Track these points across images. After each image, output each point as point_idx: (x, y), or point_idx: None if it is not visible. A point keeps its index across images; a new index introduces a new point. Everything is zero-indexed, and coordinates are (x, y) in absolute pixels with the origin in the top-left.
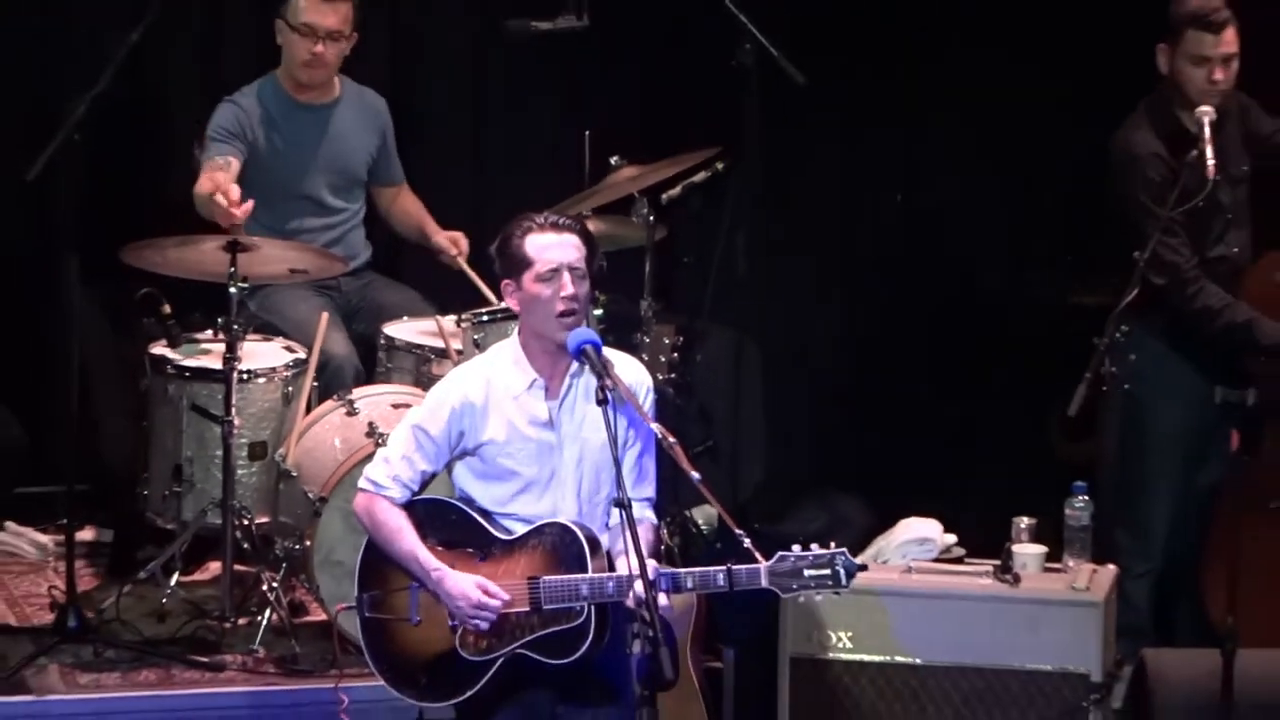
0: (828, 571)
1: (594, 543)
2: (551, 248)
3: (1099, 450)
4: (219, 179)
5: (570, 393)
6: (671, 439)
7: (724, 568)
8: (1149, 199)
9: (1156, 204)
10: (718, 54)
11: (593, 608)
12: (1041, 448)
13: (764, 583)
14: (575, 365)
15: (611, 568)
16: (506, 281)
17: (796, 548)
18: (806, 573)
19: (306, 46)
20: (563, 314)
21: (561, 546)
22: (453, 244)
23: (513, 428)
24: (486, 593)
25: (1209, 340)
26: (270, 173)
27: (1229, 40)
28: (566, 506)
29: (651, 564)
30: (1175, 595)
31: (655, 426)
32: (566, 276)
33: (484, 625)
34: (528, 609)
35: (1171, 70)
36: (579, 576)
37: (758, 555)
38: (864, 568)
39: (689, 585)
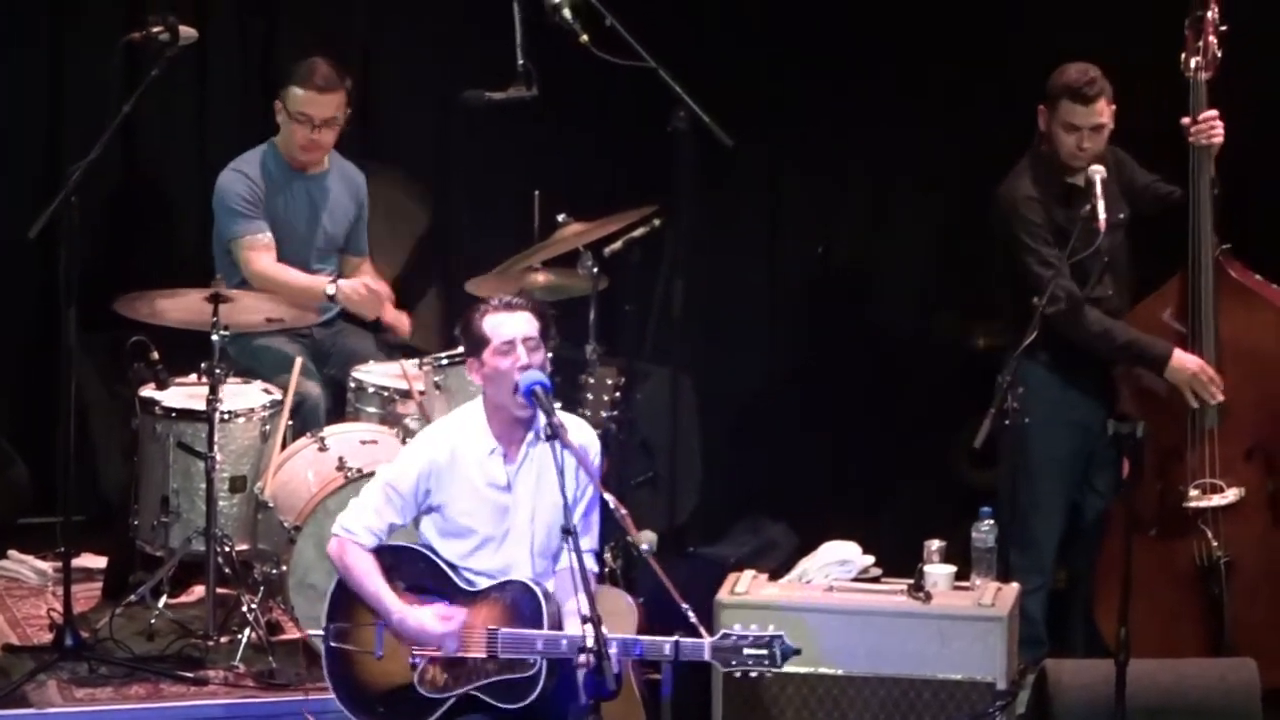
0: (765, 652)
1: (548, 598)
2: (505, 324)
3: (1000, 477)
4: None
5: (527, 459)
6: (623, 510)
7: (673, 640)
8: (1033, 240)
9: (1038, 243)
10: (653, 120)
11: (544, 660)
12: (950, 476)
13: (706, 657)
14: (532, 435)
15: (561, 620)
16: (471, 360)
17: (738, 627)
18: (746, 651)
19: (304, 133)
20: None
21: (521, 603)
22: (397, 323)
23: (473, 490)
24: (444, 617)
25: (1109, 360)
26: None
27: (1099, 111)
28: (521, 561)
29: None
30: (1070, 609)
31: (608, 496)
32: (521, 348)
33: (453, 645)
34: (484, 655)
35: (1048, 130)
36: (535, 632)
37: (702, 630)
38: (799, 652)
39: (638, 652)
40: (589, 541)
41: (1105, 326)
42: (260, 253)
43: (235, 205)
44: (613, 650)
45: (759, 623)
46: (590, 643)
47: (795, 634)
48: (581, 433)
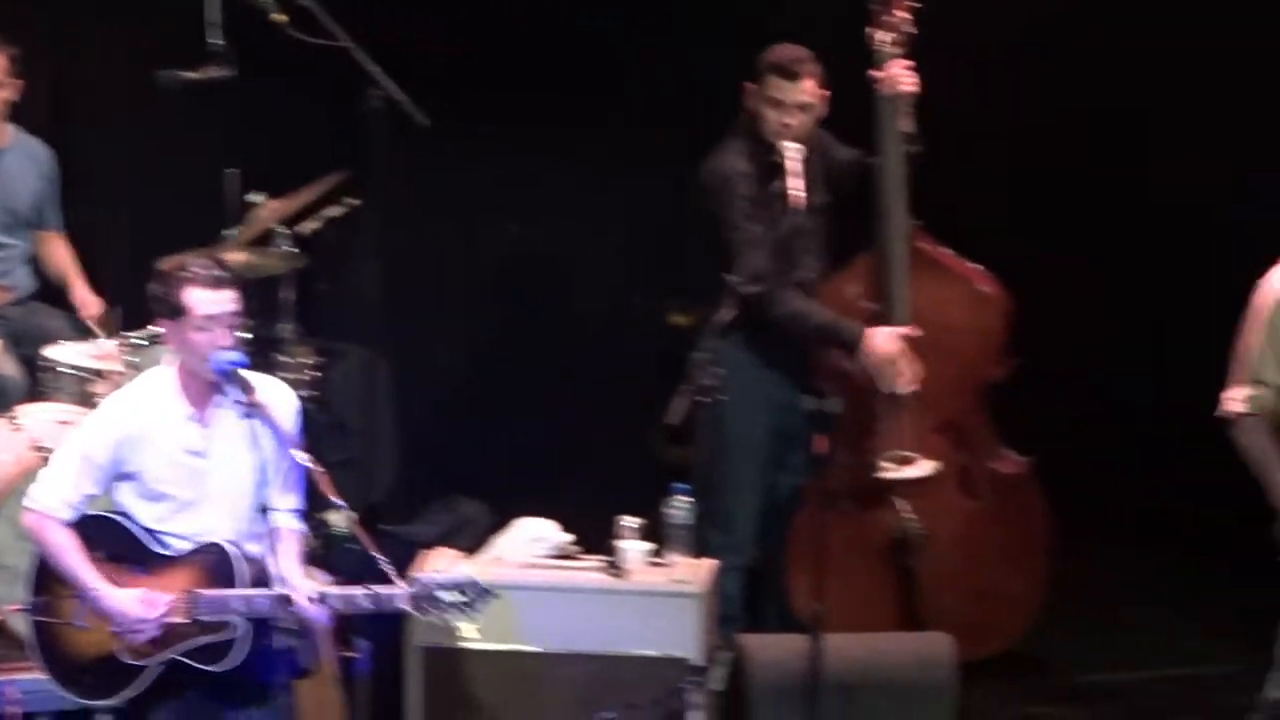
0: (463, 596)
1: (247, 560)
2: (210, 302)
3: (696, 455)
4: None
5: (220, 421)
6: (318, 468)
7: (369, 591)
8: (737, 215)
9: (743, 219)
10: (348, 99)
11: (247, 622)
12: (646, 454)
13: (404, 605)
14: (224, 399)
15: (265, 580)
16: (165, 322)
17: (435, 574)
18: (443, 596)
19: None
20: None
21: (218, 564)
22: (84, 306)
23: (167, 455)
24: (146, 604)
25: (803, 341)
26: None
27: (806, 90)
28: (220, 524)
29: (314, 586)
30: (765, 586)
31: (303, 456)
32: (222, 330)
33: (152, 630)
34: (186, 620)
35: (754, 107)
36: (232, 592)
37: (396, 579)
38: (496, 595)
39: (337, 606)
40: (292, 501)
41: (800, 307)
42: None
43: None
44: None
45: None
46: (301, 598)
47: (492, 612)
48: (278, 393)
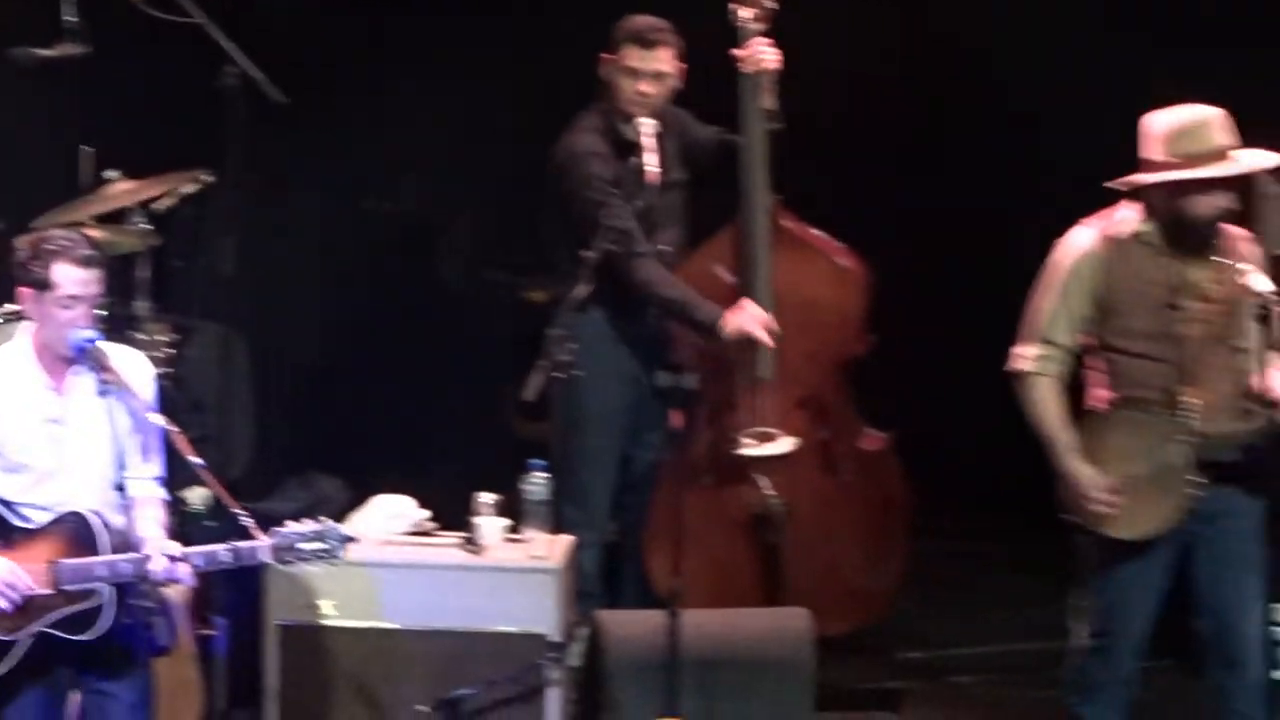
0: (322, 545)
1: (109, 528)
2: (76, 282)
3: (552, 431)
4: None
5: (77, 390)
6: (174, 428)
7: (229, 545)
8: (594, 191)
9: (602, 193)
10: (204, 76)
11: (112, 587)
12: (503, 429)
13: (266, 558)
14: (80, 367)
15: (129, 547)
16: (26, 292)
17: (292, 524)
18: (303, 546)
19: None
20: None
21: (78, 532)
22: None
23: (24, 425)
24: (8, 577)
25: (659, 313)
26: None
27: (661, 59)
28: (80, 494)
29: (176, 545)
30: (622, 562)
31: (158, 417)
32: (84, 309)
33: (7, 606)
34: (51, 591)
35: (609, 79)
36: (94, 560)
37: (257, 533)
38: (354, 540)
39: (200, 564)
40: (155, 468)
41: (662, 277)
42: None
43: None
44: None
45: (313, 580)
46: (163, 558)
47: (348, 588)
48: (133, 362)
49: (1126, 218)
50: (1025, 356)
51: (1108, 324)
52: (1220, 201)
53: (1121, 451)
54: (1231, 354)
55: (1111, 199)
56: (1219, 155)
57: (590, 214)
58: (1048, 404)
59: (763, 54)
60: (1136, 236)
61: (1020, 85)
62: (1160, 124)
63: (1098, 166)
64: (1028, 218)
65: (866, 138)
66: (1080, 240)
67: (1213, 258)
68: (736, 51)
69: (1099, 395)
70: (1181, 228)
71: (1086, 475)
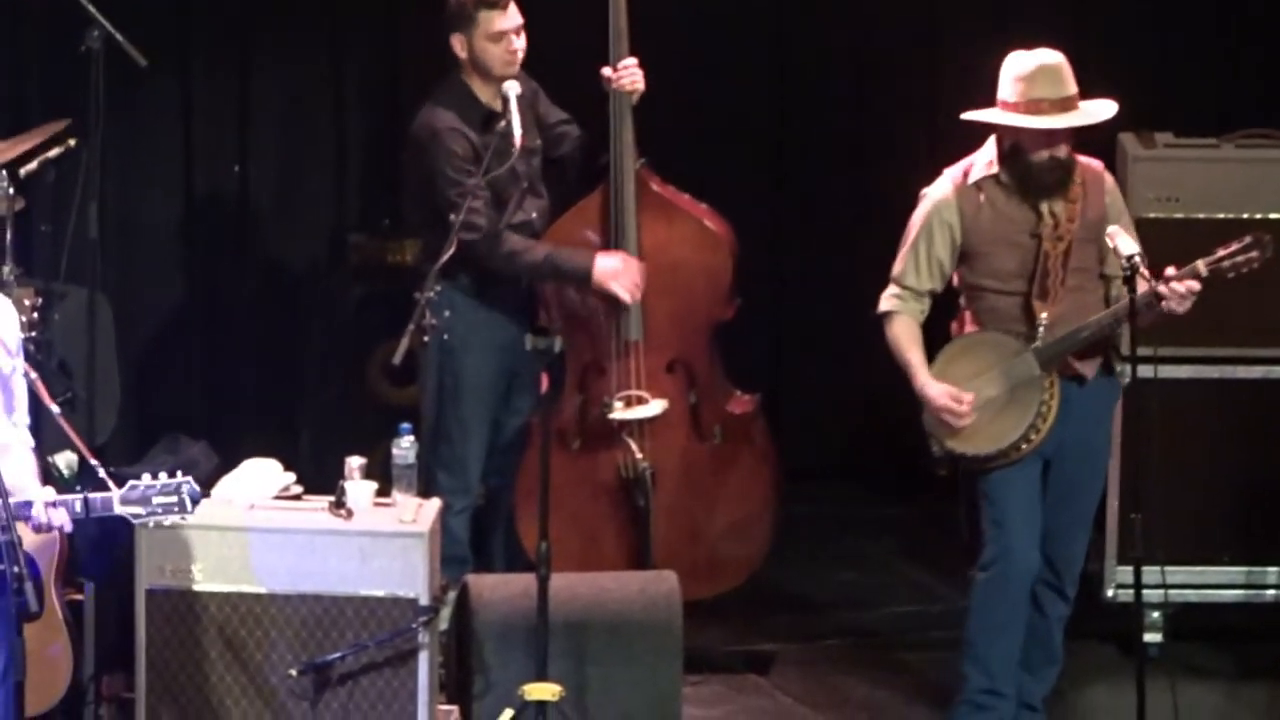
0: (174, 498)
1: None
2: None
3: (421, 395)
4: None
5: None
6: (33, 374)
7: (80, 495)
8: (453, 170)
9: (460, 174)
10: (68, 39)
11: None
12: (370, 393)
13: (116, 509)
14: None
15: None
16: None
17: (146, 477)
18: (155, 500)
19: None
20: None
21: None
22: None
23: None
24: None
25: (518, 278)
26: None
27: (515, 12)
28: None
29: (50, 491)
30: (491, 526)
31: (17, 361)
32: None
33: None
34: None
35: (472, 53)
36: None
37: (111, 485)
38: (207, 494)
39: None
40: (21, 415)
41: (524, 245)
42: None
43: None
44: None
45: (182, 544)
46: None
47: (218, 553)
48: None
49: (982, 160)
50: (884, 298)
51: (972, 266)
52: (1058, 153)
53: (975, 373)
54: (1084, 277)
55: (978, 140)
56: (1065, 104)
57: (450, 195)
58: (901, 338)
59: (635, 78)
60: (993, 179)
61: (880, 35)
62: (1014, 66)
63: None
64: (901, 174)
65: (729, 98)
66: (938, 188)
67: (1067, 193)
68: (608, 73)
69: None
70: (1026, 169)
71: (935, 389)
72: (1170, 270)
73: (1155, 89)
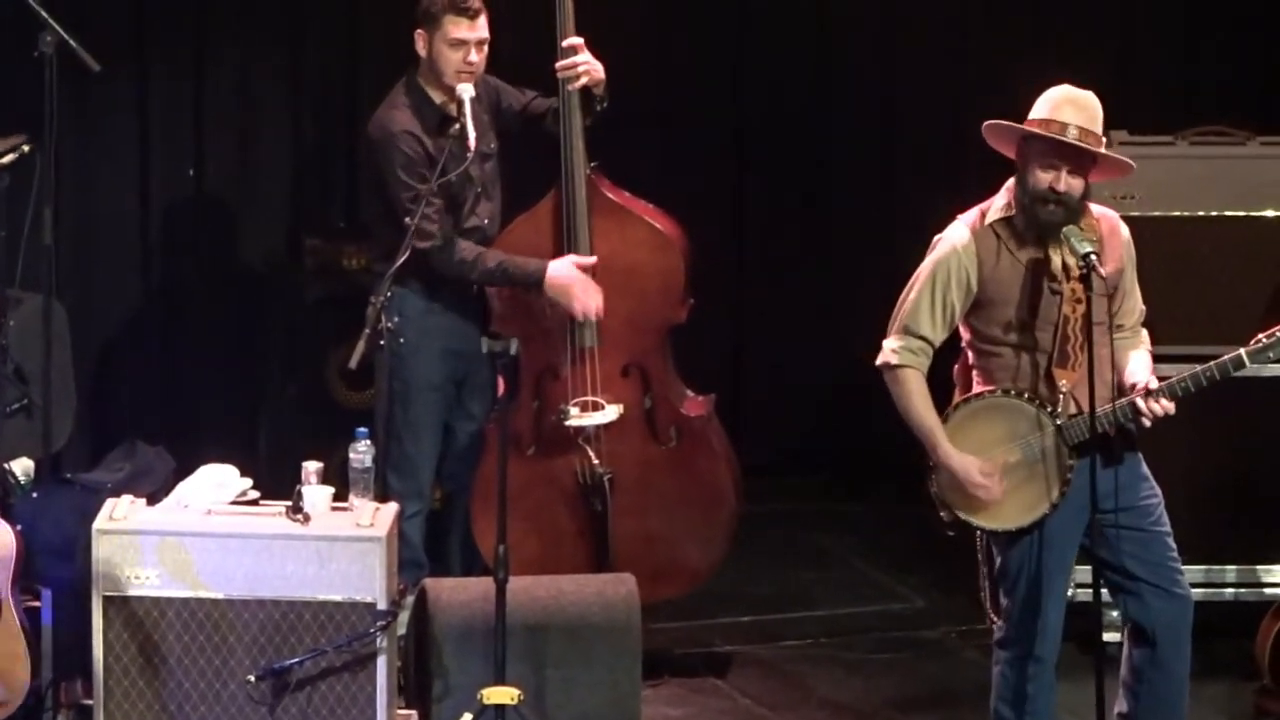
0: None
1: None
2: None
3: (376, 399)
4: None
5: None
6: None
7: None
8: (407, 175)
9: (414, 179)
10: (21, 43)
11: None
12: (327, 398)
13: None
14: None
15: None
16: None
17: None
18: None
19: None
20: None
21: None
22: None
23: None
24: None
25: (472, 285)
26: None
27: (482, 26)
28: None
29: None
30: (448, 531)
31: None
32: None
33: None
34: None
35: (430, 54)
36: None
37: None
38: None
39: None
40: None
41: (475, 253)
42: None
43: None
44: None
45: (139, 550)
46: None
47: (174, 558)
48: None
49: (999, 203)
50: (890, 349)
51: (981, 315)
52: (1058, 184)
53: (993, 441)
54: (1099, 331)
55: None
56: (1081, 134)
57: (404, 201)
58: (913, 395)
59: (578, 72)
60: (1007, 222)
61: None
62: (1050, 92)
63: (941, 133)
64: (851, 180)
65: (689, 96)
66: (952, 234)
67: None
68: (560, 65)
69: (972, 387)
70: (1030, 199)
71: (961, 460)
72: (1150, 383)
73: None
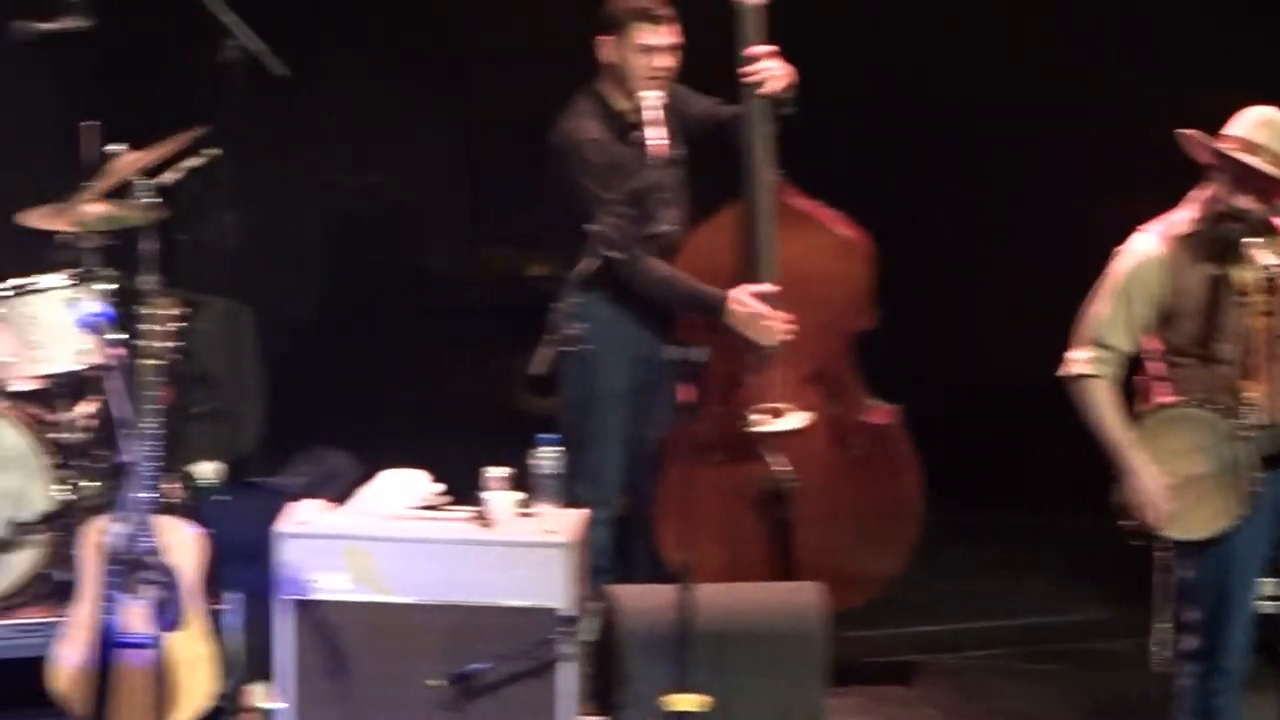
0: None
1: None
2: None
3: (562, 406)
4: None
5: None
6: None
7: None
8: (593, 183)
9: (599, 187)
10: (206, 49)
11: None
12: (512, 404)
13: None
14: None
15: None
16: None
17: None
18: None
19: None
20: None
21: None
22: None
23: None
24: None
25: (671, 305)
26: None
27: (671, 31)
28: None
29: None
30: (634, 537)
31: None
32: None
33: None
34: None
35: (616, 60)
36: None
37: None
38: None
39: None
40: None
41: (663, 275)
42: None
43: None
44: None
45: (324, 555)
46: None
47: (360, 563)
48: None
49: (1181, 219)
50: (1079, 360)
51: (1170, 326)
52: (1257, 210)
53: (1181, 451)
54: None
55: (1168, 202)
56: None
57: (591, 209)
58: (1105, 406)
59: (764, 76)
60: (1193, 235)
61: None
62: (1254, 111)
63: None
64: (1037, 200)
65: (869, 107)
66: (1142, 245)
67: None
68: (743, 72)
69: (1158, 398)
70: (1217, 217)
71: (1153, 480)
72: None
73: None
